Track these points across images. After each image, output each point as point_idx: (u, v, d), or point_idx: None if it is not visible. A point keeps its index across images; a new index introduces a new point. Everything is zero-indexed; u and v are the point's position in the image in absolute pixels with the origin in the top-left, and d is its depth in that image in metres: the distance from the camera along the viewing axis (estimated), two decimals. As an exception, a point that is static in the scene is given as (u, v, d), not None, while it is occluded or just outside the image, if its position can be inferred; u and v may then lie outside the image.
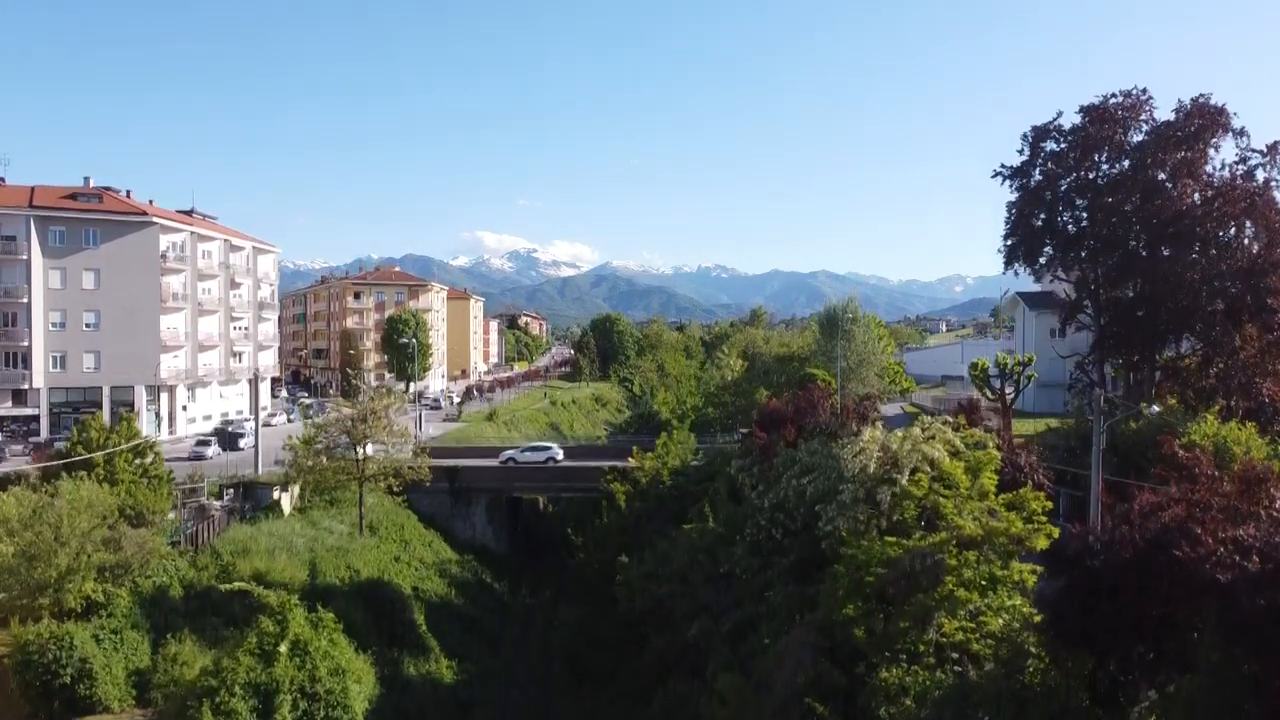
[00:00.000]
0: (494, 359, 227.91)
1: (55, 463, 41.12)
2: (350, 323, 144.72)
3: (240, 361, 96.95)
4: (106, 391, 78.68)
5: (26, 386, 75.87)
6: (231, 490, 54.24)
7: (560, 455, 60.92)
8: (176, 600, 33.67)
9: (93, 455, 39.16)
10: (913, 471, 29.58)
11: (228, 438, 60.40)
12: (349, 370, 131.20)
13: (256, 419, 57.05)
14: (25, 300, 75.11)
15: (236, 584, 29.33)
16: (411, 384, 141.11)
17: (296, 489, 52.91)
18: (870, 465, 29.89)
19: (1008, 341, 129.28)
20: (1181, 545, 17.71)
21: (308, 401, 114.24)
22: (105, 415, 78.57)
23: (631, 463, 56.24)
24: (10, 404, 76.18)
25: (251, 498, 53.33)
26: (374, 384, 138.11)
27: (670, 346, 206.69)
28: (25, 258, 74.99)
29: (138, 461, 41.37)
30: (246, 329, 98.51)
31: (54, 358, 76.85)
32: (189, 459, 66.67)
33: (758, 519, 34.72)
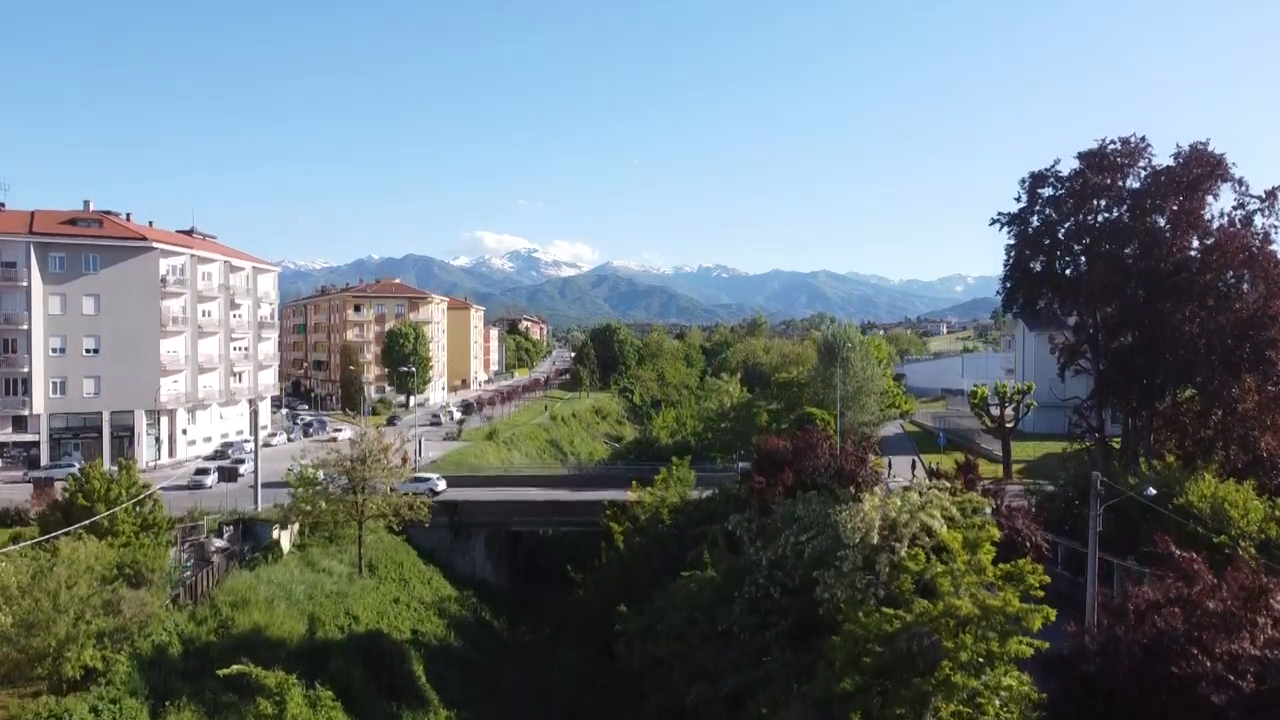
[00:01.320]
0: (494, 366, 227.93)
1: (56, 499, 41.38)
2: (350, 335, 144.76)
3: (240, 381, 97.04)
4: (106, 417, 78.84)
5: (27, 413, 76.02)
6: (231, 527, 54.37)
7: (441, 486, 60.76)
8: (176, 660, 33.72)
9: (93, 506, 39.20)
10: (911, 542, 29.64)
11: (227, 471, 60.49)
12: (350, 386, 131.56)
13: (257, 453, 56.98)
14: (25, 327, 75.24)
15: (235, 668, 29.26)
16: (412, 397, 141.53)
17: (296, 526, 52.92)
18: (872, 536, 29.92)
19: (1009, 354, 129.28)
20: (1178, 661, 17.77)
21: (308, 419, 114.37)
22: (105, 440, 79.15)
23: (630, 496, 56.30)
24: (10, 430, 76.33)
25: (251, 536, 53.34)
26: (374, 396, 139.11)
27: (671, 355, 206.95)
28: (25, 284, 75.13)
29: (138, 509, 41.41)
30: (246, 349, 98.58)
31: (54, 383, 76.98)
32: (189, 488, 66.92)
33: (756, 576, 34.71)
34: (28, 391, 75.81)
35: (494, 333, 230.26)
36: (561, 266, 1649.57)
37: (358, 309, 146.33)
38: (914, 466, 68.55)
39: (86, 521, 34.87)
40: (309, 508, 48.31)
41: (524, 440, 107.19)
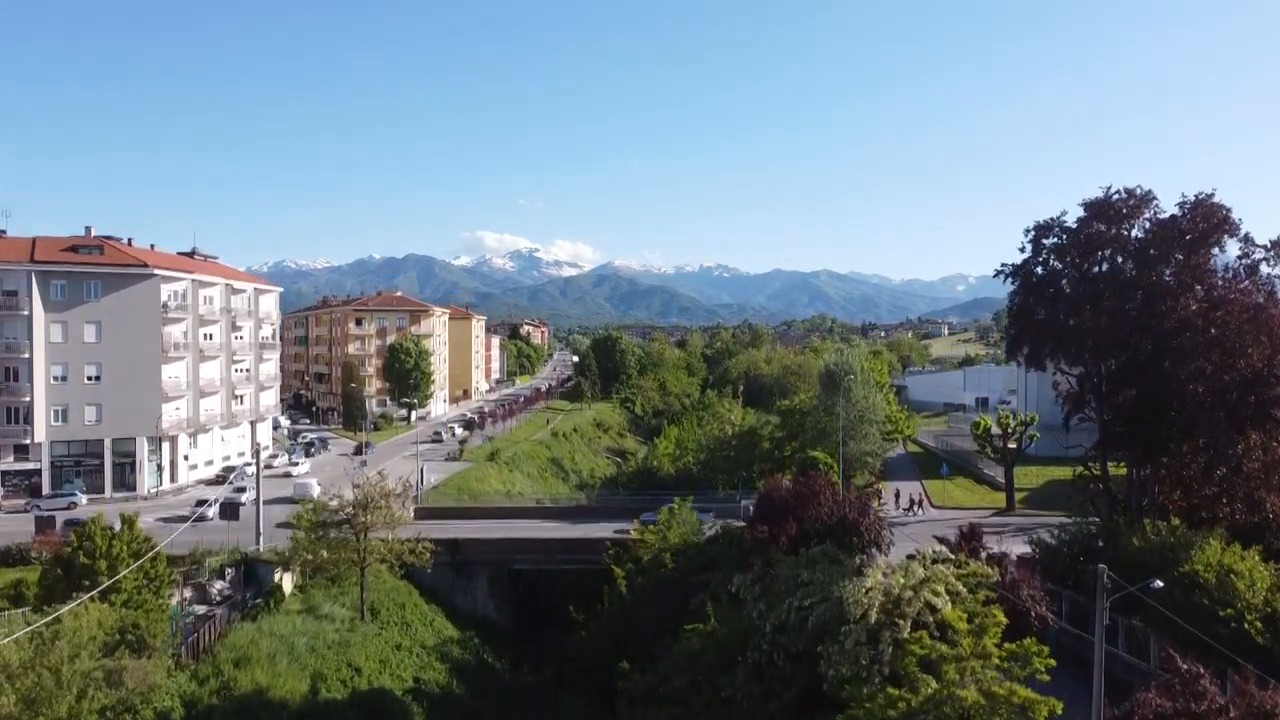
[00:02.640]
0: (496, 374, 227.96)
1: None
2: (352, 349, 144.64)
3: (242, 404, 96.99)
4: (108, 444, 78.77)
5: (29, 441, 75.93)
6: (232, 569, 54.32)
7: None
8: (178, 726, 33.69)
9: (95, 563, 39.14)
10: (915, 619, 29.53)
11: (227, 508, 60.50)
12: (351, 403, 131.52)
13: (259, 494, 56.87)
14: (27, 355, 75.16)
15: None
16: (413, 412, 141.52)
17: (298, 566, 52.83)
18: (871, 614, 29.82)
19: (1011, 369, 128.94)
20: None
21: (310, 437, 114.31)
22: (107, 467, 79.10)
23: (633, 534, 56.30)
24: (12, 458, 76.25)
25: (253, 579, 53.34)
26: (376, 411, 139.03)
27: (672, 365, 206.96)
28: (26, 312, 75.07)
29: (137, 566, 41.29)
30: (248, 371, 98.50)
31: (55, 411, 76.89)
32: (191, 520, 66.85)
33: (759, 641, 34.61)
34: (29, 420, 75.73)
35: (495, 341, 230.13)
36: (563, 266, 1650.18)
37: (359, 322, 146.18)
38: (915, 506, 68.40)
39: (89, 595, 34.56)
40: (310, 556, 48.26)
41: (525, 459, 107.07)
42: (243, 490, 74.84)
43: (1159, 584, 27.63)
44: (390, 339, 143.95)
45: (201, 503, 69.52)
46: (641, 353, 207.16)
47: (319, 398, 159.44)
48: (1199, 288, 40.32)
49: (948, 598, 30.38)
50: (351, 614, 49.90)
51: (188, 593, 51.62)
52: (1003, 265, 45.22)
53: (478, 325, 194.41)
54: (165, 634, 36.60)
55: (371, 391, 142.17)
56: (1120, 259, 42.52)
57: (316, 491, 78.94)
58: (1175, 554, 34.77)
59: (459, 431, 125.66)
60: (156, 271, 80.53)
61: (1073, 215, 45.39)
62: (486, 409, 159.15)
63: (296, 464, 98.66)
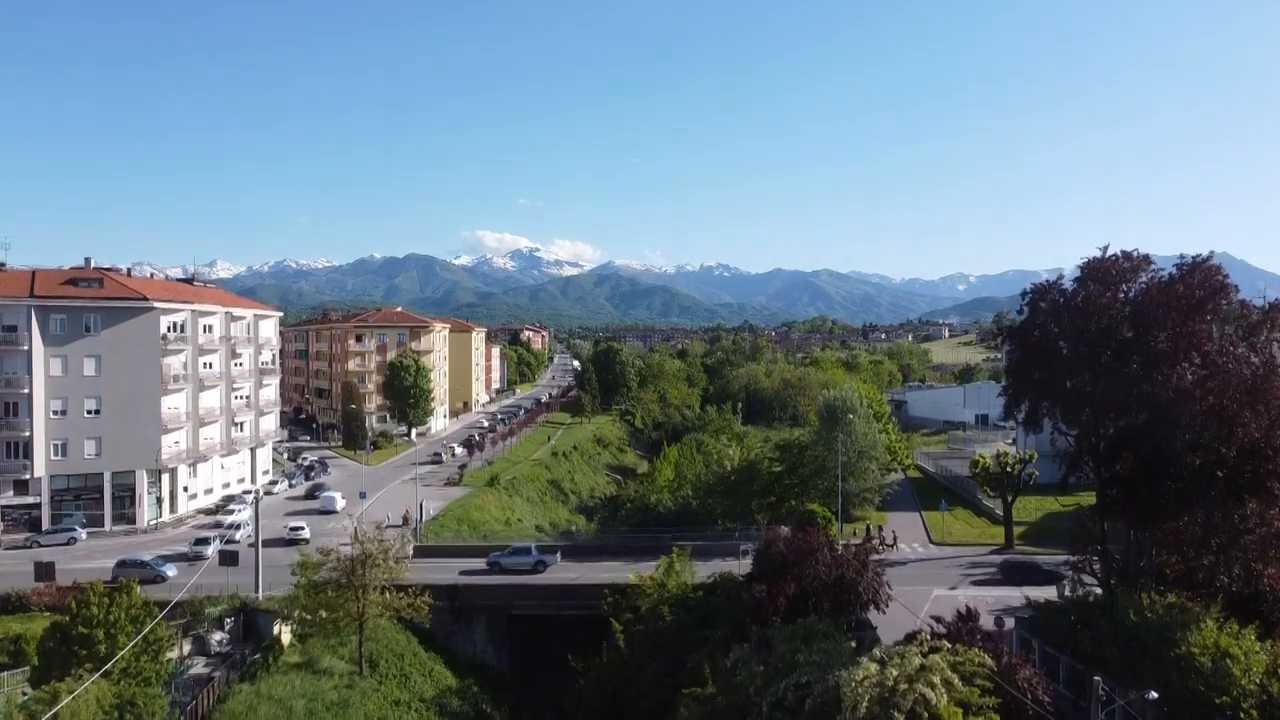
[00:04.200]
0: (496, 384, 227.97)
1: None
2: (352, 365, 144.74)
3: (242, 430, 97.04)
4: (108, 477, 78.87)
5: (28, 476, 75.97)
6: (231, 618, 54.41)
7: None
8: (176, 805, 33.74)
9: (92, 633, 39.21)
10: (910, 717, 29.57)
11: (226, 555, 60.60)
12: (351, 423, 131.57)
13: (258, 543, 56.86)
14: (26, 390, 75.20)
15: None
16: (414, 430, 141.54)
17: (297, 616, 52.80)
18: (862, 706, 29.86)
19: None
20: None
21: (310, 460, 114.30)
22: (106, 500, 79.20)
23: (632, 579, 56.41)
24: (12, 493, 76.29)
25: (253, 630, 53.48)
26: (376, 427, 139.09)
27: (672, 376, 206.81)
28: (26, 347, 75.10)
29: (137, 627, 41.38)
30: (248, 398, 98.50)
31: (55, 446, 76.94)
32: (190, 558, 66.96)
33: (756, 719, 34.72)
34: (29, 455, 75.78)
35: (495, 351, 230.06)
36: (563, 266, 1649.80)
37: (359, 339, 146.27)
38: (885, 543, 68.07)
39: (90, 680, 34.60)
40: (310, 617, 48.33)
41: (525, 483, 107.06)
42: (239, 527, 74.85)
43: (1154, 695, 27.59)
44: (390, 354, 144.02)
45: (201, 541, 69.67)
46: (642, 364, 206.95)
47: (320, 413, 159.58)
48: (1196, 355, 40.21)
49: (943, 689, 30.43)
50: (350, 667, 49.97)
51: (187, 646, 51.83)
52: (1001, 327, 45.34)
53: (478, 337, 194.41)
54: (163, 709, 36.65)
55: (372, 408, 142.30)
56: (1117, 324, 42.39)
57: (341, 504, 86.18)
58: (1172, 633, 34.77)
59: (458, 451, 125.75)
60: (156, 304, 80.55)
61: (1070, 273, 45.43)
62: (486, 423, 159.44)
63: (295, 487, 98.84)
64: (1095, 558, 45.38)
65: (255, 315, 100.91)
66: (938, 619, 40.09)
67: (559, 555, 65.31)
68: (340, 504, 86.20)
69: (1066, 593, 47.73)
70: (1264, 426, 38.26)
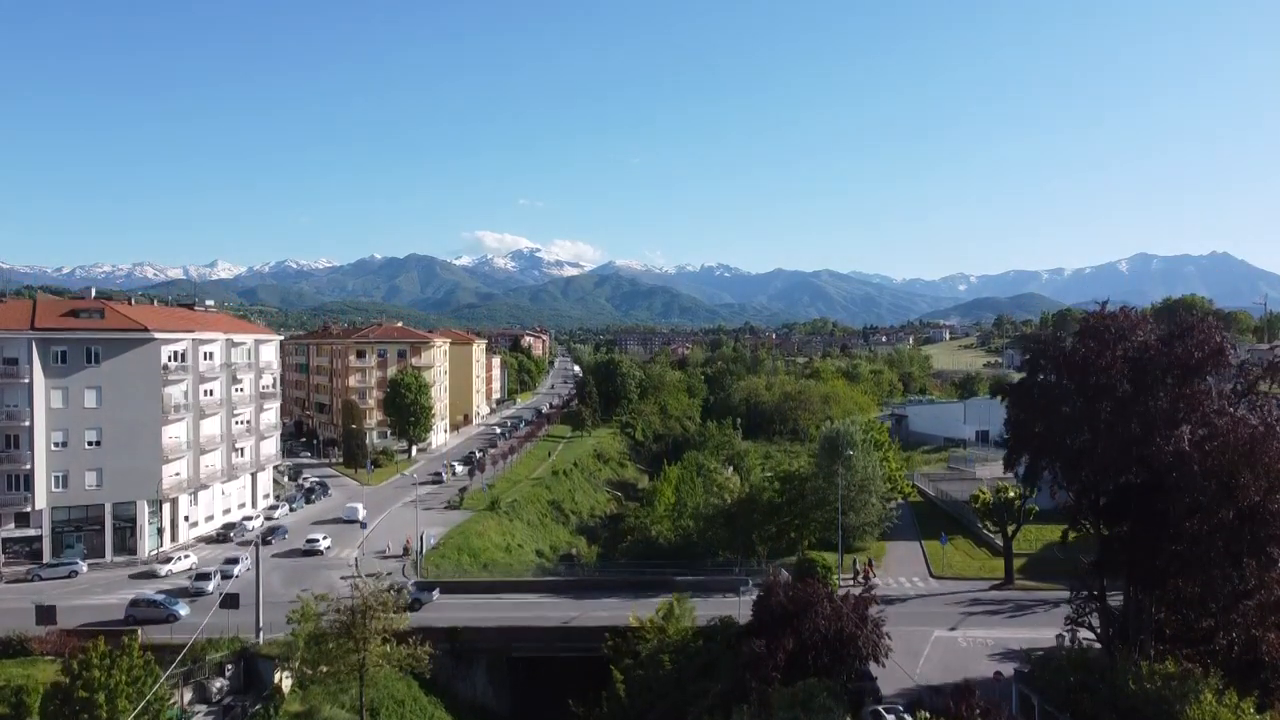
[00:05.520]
0: (497, 394, 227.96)
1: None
2: (353, 381, 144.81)
3: (243, 456, 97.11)
4: (108, 508, 79.00)
5: (29, 509, 76.05)
6: (232, 664, 54.48)
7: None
8: None
9: (93, 696, 39.33)
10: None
11: (227, 598, 60.52)
12: (352, 441, 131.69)
13: (259, 587, 56.90)
14: (27, 423, 75.31)
15: None
16: (414, 446, 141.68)
17: (298, 665, 52.82)
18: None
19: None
20: None
21: (311, 481, 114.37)
22: (107, 531, 79.31)
23: (631, 621, 56.56)
24: (13, 525, 76.40)
25: (254, 677, 53.57)
26: (377, 443, 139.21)
27: (673, 387, 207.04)
28: (27, 380, 75.18)
29: (137, 686, 41.50)
30: (249, 423, 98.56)
31: (56, 478, 77.04)
32: (191, 595, 67.09)
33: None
34: (30, 487, 75.85)
35: (496, 361, 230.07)
36: (564, 266, 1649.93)
37: (360, 355, 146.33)
38: (861, 575, 68.10)
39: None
40: (310, 671, 48.38)
41: (525, 505, 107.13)
42: (236, 561, 74.46)
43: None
44: (391, 370, 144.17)
45: (201, 576, 69.73)
46: (642, 375, 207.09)
47: (320, 427, 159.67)
48: (1195, 416, 40.26)
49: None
50: (352, 716, 50.04)
51: (188, 694, 51.89)
52: (998, 385, 45.32)
53: (478, 349, 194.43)
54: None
55: (372, 424, 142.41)
56: (1115, 382, 42.40)
57: (363, 514, 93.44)
58: (1171, 704, 34.81)
59: (459, 470, 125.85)
60: (157, 335, 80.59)
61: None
62: (487, 438, 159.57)
63: (296, 511, 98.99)
64: (1094, 610, 45.43)
65: (256, 340, 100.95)
66: (936, 689, 40.11)
67: (436, 592, 66.45)
68: (362, 514, 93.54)
69: (1067, 642, 47.79)
70: (1263, 489, 38.30)
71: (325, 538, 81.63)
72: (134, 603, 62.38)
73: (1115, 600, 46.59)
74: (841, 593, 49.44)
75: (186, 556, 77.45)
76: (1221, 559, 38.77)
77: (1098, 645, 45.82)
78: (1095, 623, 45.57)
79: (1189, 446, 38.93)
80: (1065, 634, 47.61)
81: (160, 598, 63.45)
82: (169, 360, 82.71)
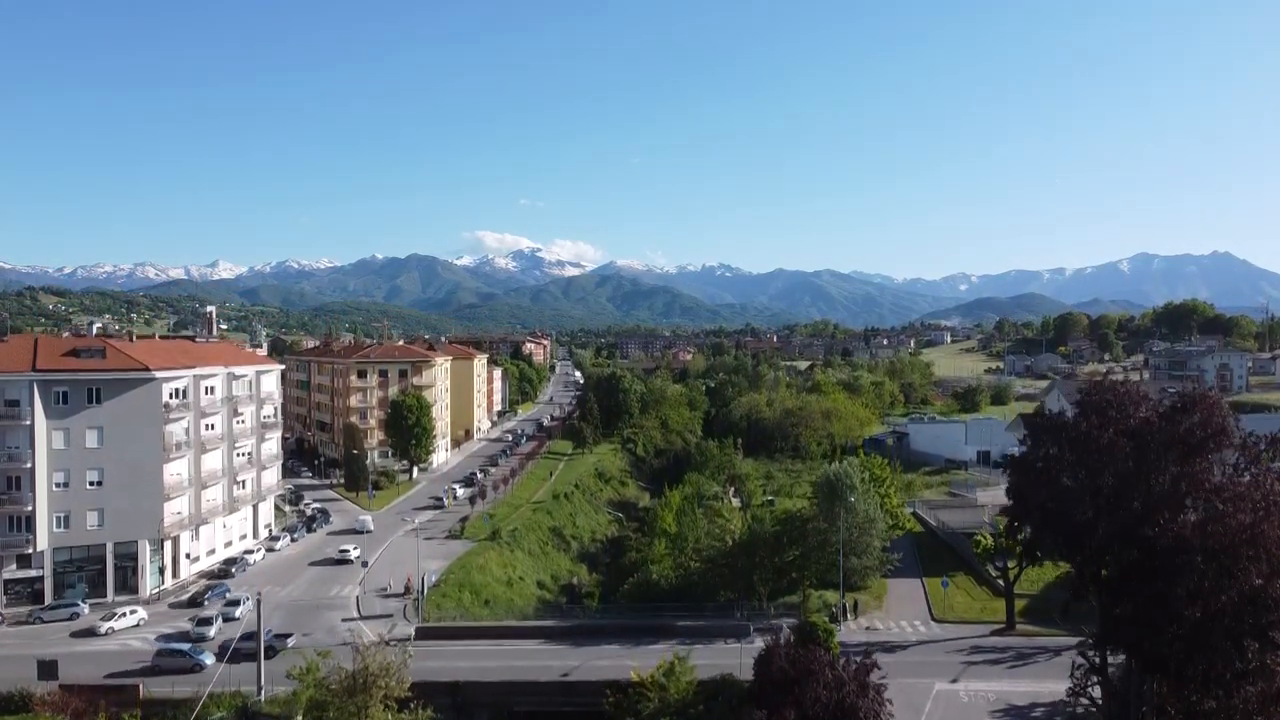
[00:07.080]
0: (498, 406, 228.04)
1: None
2: (354, 400, 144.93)
3: (244, 488, 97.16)
4: (110, 548, 78.98)
5: (30, 550, 76.08)
6: (233, 725, 54.46)
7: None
8: None
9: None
10: None
11: (225, 652, 60.57)
12: (354, 464, 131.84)
13: (260, 644, 56.87)
14: (29, 465, 75.27)
15: None
16: (415, 467, 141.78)
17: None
18: None
19: (1016, 425, 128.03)
20: None
21: (312, 509, 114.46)
22: (109, 571, 79.38)
23: (633, 676, 56.62)
24: (14, 567, 76.43)
25: (255, 737, 53.51)
26: (378, 464, 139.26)
27: (674, 401, 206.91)
28: (29, 422, 75.15)
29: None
30: (249, 455, 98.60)
31: (57, 519, 76.97)
32: (191, 639, 67.19)
33: None
34: (31, 528, 75.83)
35: (497, 373, 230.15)
36: (565, 266, 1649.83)
37: (361, 374, 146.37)
38: (843, 616, 68.05)
39: None
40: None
41: (526, 533, 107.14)
42: (236, 604, 74.25)
43: None
44: (393, 389, 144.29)
45: (203, 621, 69.74)
46: (643, 389, 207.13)
47: (321, 445, 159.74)
48: (1197, 495, 40.22)
49: None
50: (352, 778, 50.01)
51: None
52: (1001, 458, 45.37)
53: (480, 364, 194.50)
54: None
55: (373, 443, 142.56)
56: (1119, 459, 42.33)
57: (373, 526, 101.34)
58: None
59: (459, 494, 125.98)
60: (157, 374, 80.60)
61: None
62: (487, 454, 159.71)
63: (297, 541, 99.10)
64: (1096, 683, 45.42)
65: (257, 371, 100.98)
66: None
67: (292, 638, 65.64)
68: (371, 525, 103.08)
69: (1069, 710, 47.82)
70: (1265, 573, 38.24)
71: (351, 549, 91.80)
72: (160, 653, 62.96)
73: (1117, 658, 46.73)
74: (842, 659, 49.34)
75: (134, 612, 72.99)
76: (1223, 642, 38.69)
77: None
78: (1097, 694, 45.55)
79: (1190, 531, 38.88)
80: (1067, 707, 47.56)
81: (186, 647, 63.86)
82: (170, 398, 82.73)
